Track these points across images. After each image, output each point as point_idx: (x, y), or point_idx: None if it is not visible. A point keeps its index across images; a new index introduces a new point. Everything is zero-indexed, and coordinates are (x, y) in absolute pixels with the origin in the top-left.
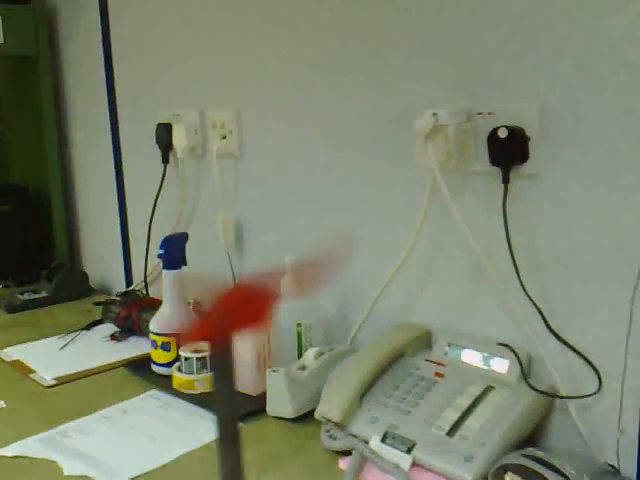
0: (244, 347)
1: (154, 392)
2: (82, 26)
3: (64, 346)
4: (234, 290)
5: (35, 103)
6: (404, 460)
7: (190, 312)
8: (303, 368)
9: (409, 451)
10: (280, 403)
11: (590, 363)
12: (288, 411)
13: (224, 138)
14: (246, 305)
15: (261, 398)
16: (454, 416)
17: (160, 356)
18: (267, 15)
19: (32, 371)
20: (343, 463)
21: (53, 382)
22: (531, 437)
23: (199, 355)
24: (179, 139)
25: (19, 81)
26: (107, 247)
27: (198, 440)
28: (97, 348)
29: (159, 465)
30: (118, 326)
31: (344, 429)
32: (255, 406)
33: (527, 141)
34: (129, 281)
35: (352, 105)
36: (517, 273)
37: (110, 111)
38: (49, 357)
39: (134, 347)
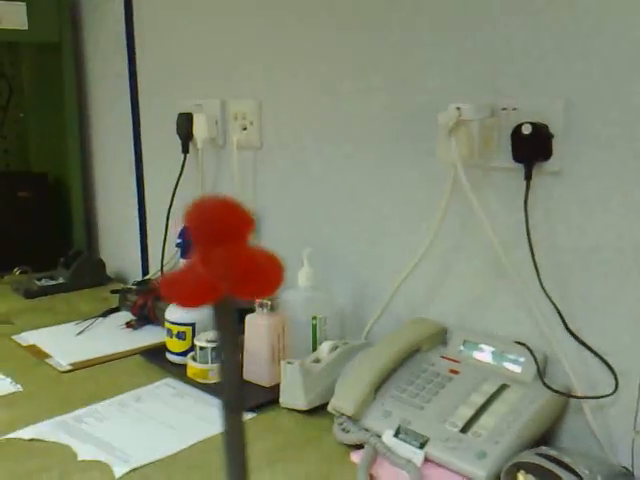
0: (259, 339)
1: (169, 380)
2: (106, 14)
3: (80, 332)
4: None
5: (57, 90)
6: (417, 455)
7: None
8: (317, 361)
9: (422, 446)
10: (294, 395)
11: (607, 364)
12: (302, 403)
13: (245, 129)
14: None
15: (275, 389)
16: (468, 413)
17: (175, 345)
18: (291, 10)
19: (48, 356)
20: (355, 456)
21: (69, 367)
22: (544, 437)
23: (214, 345)
24: (200, 129)
25: (42, 68)
26: (125, 236)
27: (212, 428)
28: (113, 335)
29: (173, 452)
30: (134, 314)
31: (357, 422)
32: (269, 397)
33: (551, 138)
34: (145, 270)
35: (373, 99)
36: (537, 271)
37: (132, 100)
38: (65, 343)
39: (149, 335)
